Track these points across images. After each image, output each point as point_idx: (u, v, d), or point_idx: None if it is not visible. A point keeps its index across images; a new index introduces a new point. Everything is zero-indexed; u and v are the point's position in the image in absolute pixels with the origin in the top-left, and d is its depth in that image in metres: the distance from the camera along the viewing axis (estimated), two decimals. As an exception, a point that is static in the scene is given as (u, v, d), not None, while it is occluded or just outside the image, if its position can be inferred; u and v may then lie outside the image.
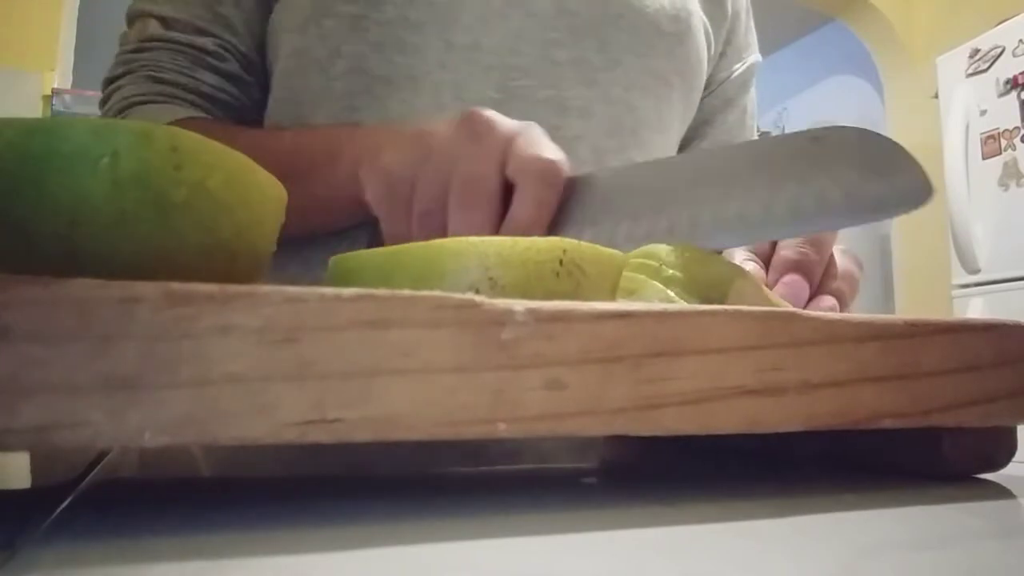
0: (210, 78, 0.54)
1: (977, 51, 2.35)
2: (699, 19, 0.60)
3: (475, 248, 0.24)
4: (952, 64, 2.44)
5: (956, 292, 2.36)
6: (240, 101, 0.56)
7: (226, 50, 0.55)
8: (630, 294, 0.26)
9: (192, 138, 0.21)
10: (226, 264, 0.22)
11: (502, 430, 0.18)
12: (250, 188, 0.23)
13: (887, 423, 0.23)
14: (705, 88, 0.64)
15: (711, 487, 0.26)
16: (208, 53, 0.54)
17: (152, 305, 0.16)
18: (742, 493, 0.25)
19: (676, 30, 0.57)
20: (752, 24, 0.69)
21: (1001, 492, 0.26)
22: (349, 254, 0.26)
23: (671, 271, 0.26)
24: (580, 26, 0.54)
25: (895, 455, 0.28)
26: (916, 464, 0.27)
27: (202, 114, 0.53)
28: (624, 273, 0.27)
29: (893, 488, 0.25)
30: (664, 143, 0.59)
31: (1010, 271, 2.19)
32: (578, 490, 0.28)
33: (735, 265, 0.28)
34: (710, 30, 0.62)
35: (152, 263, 0.21)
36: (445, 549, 0.17)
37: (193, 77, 0.53)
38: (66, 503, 0.22)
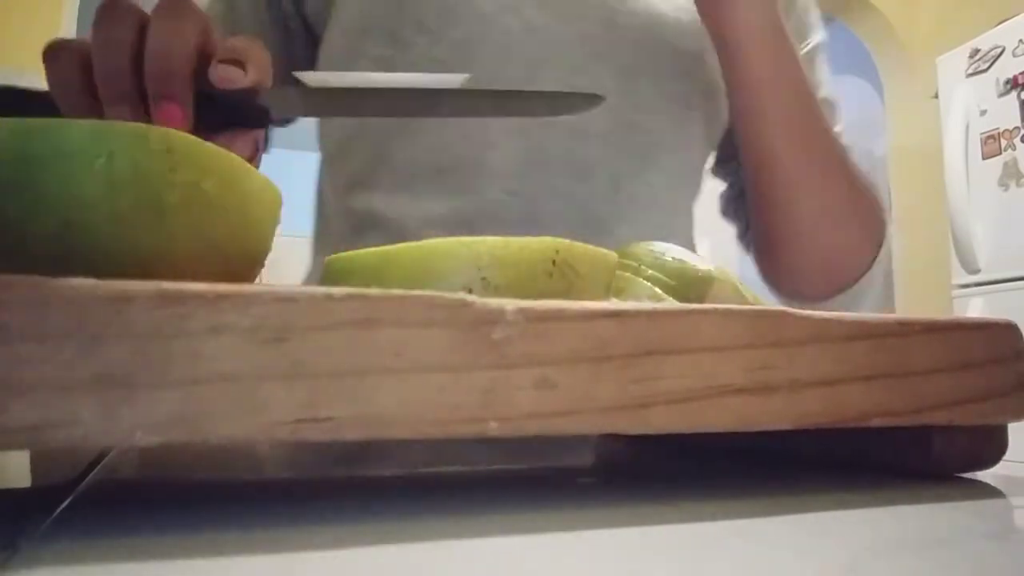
0: None
1: (977, 51, 2.35)
2: None
3: (468, 248, 0.24)
4: (952, 64, 2.44)
5: (956, 292, 2.36)
6: None
7: None
8: (618, 292, 0.27)
9: (187, 139, 0.22)
10: (220, 266, 0.23)
11: (492, 429, 0.19)
12: (245, 190, 0.23)
13: (877, 422, 0.23)
14: None
15: (708, 486, 0.27)
16: None
17: (144, 304, 0.16)
18: (739, 493, 0.25)
19: (695, 48, 0.57)
20: (813, 5, 0.66)
21: (992, 491, 0.26)
22: (342, 255, 0.26)
23: (651, 271, 0.26)
24: (598, 52, 0.54)
25: (886, 454, 0.28)
26: (907, 463, 0.27)
27: None
28: None
29: (885, 488, 0.25)
30: (685, 163, 0.59)
31: (1010, 271, 2.19)
32: (576, 489, 0.28)
33: (714, 266, 0.28)
34: None
35: (146, 264, 0.21)
36: (444, 548, 0.17)
37: None
38: (66, 503, 0.22)
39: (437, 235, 0.27)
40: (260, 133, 0.40)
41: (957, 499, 0.24)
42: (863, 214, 0.57)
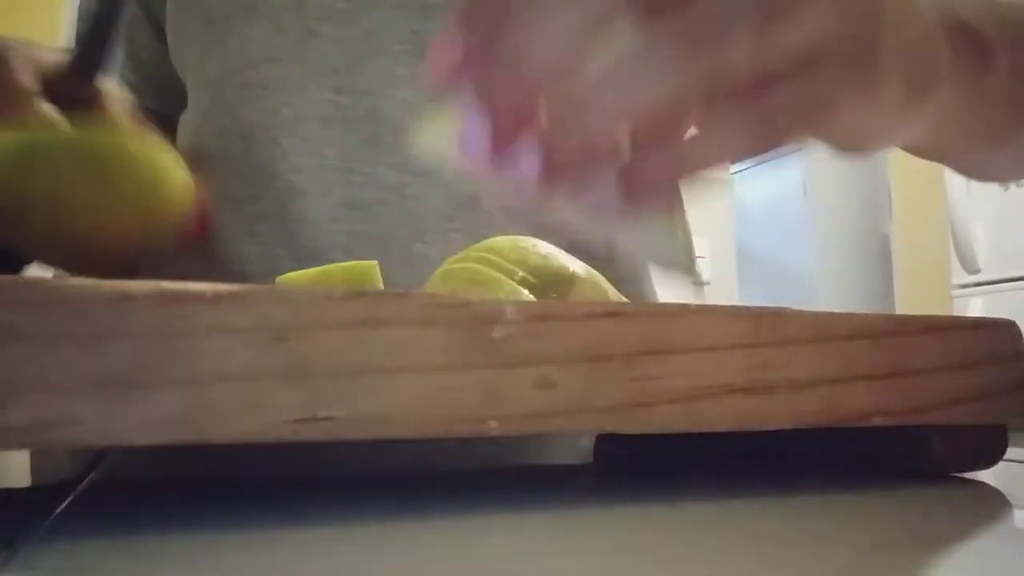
0: None
1: (977, 51, 2.35)
2: None
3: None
4: (952, 64, 2.43)
5: (956, 292, 2.36)
6: None
7: None
8: (477, 285, 0.26)
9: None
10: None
11: (492, 428, 0.19)
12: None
13: (877, 421, 0.23)
14: None
15: (708, 486, 0.27)
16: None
17: (144, 304, 0.16)
18: (739, 493, 0.25)
19: None
20: None
21: (992, 492, 0.26)
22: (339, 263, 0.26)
23: (511, 266, 0.26)
24: None
25: (886, 454, 0.28)
26: (908, 463, 0.27)
27: None
28: (465, 265, 0.27)
29: (885, 488, 0.25)
30: None
31: (1010, 271, 2.19)
32: (576, 489, 0.28)
33: (577, 263, 0.27)
34: None
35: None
36: (444, 548, 0.17)
37: None
38: (66, 503, 0.22)
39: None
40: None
41: (957, 499, 0.24)
42: None
